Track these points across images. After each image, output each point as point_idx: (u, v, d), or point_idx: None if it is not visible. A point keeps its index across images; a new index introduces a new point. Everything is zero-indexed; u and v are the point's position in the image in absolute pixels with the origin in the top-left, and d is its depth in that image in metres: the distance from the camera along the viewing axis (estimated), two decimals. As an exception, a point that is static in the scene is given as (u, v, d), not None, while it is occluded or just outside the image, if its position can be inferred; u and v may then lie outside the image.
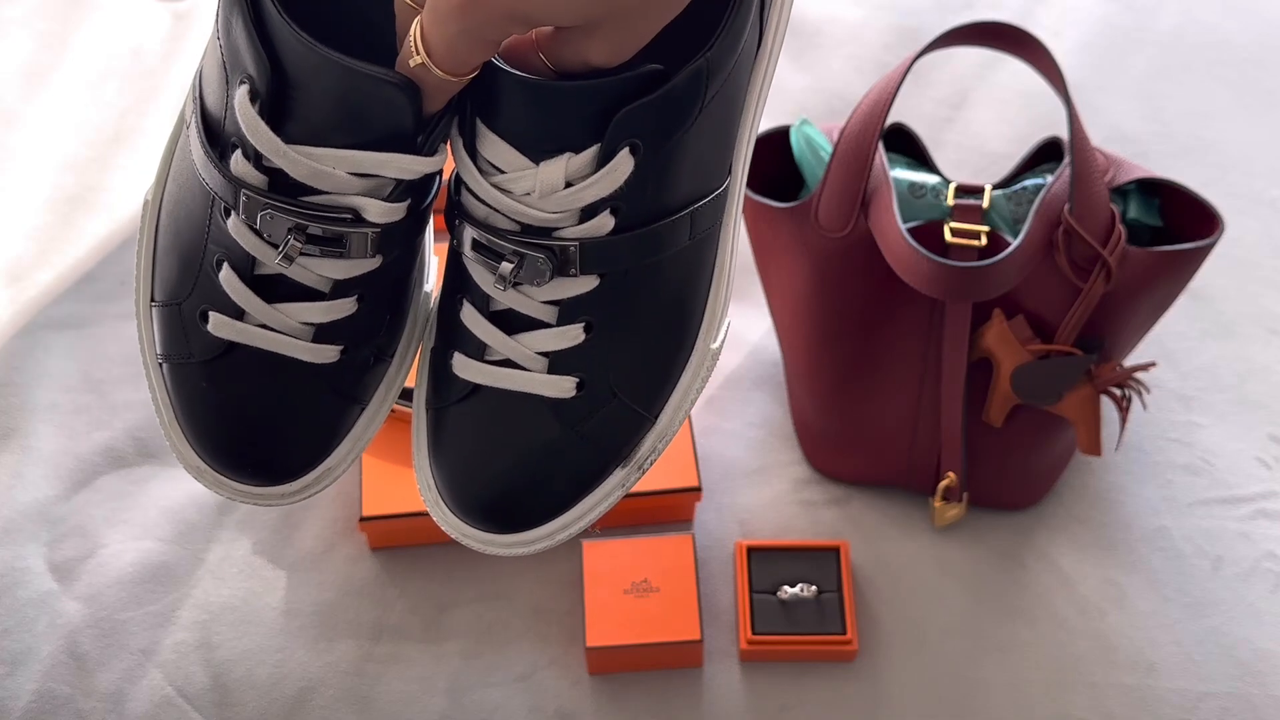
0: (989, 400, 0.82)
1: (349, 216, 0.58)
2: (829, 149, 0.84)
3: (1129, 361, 0.87)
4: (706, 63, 0.57)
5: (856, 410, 0.86)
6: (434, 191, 0.62)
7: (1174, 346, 0.95)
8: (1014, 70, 1.08)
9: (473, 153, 0.58)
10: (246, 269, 0.60)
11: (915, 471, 0.86)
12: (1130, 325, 0.82)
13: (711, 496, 0.88)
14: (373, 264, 0.60)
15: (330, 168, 0.56)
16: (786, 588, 0.82)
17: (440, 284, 0.66)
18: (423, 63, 0.54)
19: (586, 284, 0.59)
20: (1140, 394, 0.83)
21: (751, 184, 0.85)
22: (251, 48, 0.56)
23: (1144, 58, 1.13)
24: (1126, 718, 0.80)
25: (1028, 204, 0.81)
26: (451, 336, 0.63)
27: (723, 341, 0.64)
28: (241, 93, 0.56)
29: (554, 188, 0.56)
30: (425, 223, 0.63)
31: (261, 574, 0.85)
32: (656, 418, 0.63)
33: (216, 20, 0.59)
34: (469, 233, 0.59)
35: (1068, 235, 0.78)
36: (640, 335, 0.62)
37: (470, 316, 0.61)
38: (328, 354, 0.61)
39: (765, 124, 0.95)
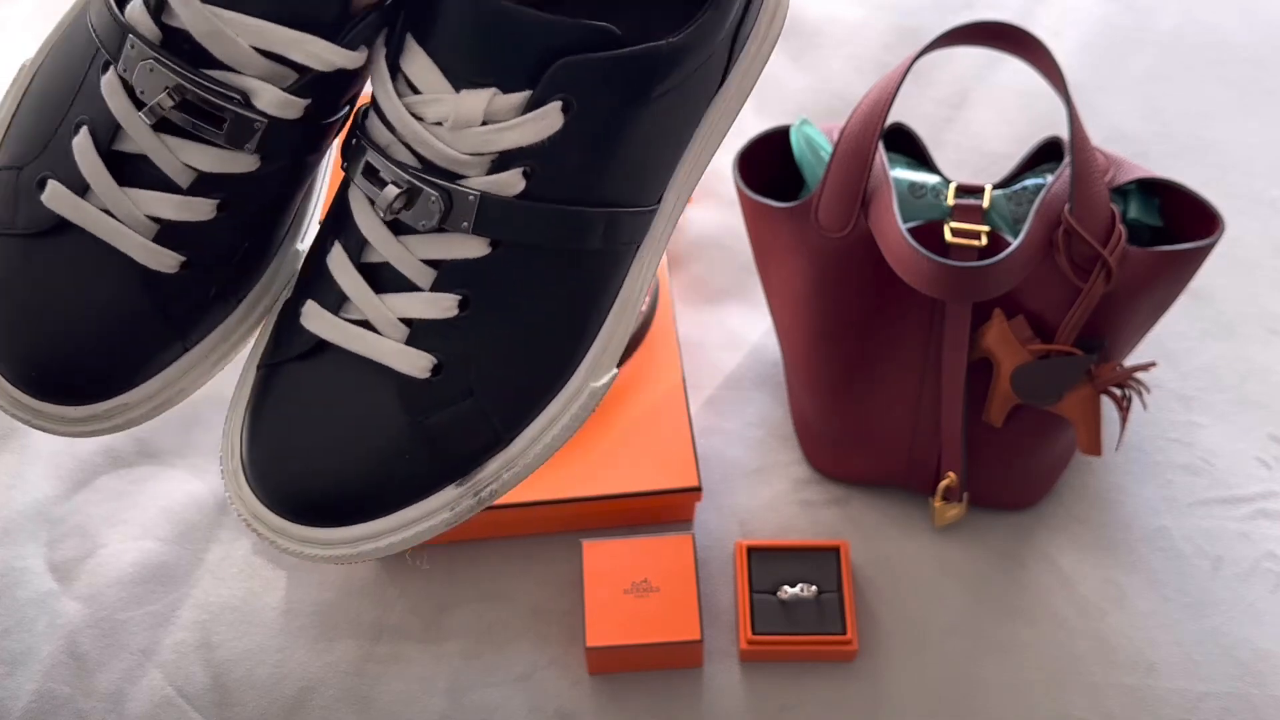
0: (989, 400, 0.82)
1: (237, 98, 0.52)
2: (829, 149, 0.84)
3: (1129, 361, 0.86)
4: (667, 48, 0.53)
5: (856, 410, 0.86)
6: (340, 113, 0.55)
7: (1174, 346, 0.95)
8: (1014, 70, 1.08)
9: (394, 70, 0.53)
10: (105, 139, 0.53)
11: (915, 471, 0.86)
12: (1130, 325, 0.82)
13: (711, 496, 0.88)
14: (248, 163, 0.53)
15: (234, 34, 0.51)
16: (786, 588, 0.82)
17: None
18: None
19: (476, 248, 0.53)
20: (1140, 394, 0.83)
21: (751, 184, 0.85)
22: None
23: (1144, 58, 1.13)
24: (1126, 718, 0.80)
25: (1028, 204, 0.81)
26: (310, 283, 0.56)
27: (605, 385, 0.57)
28: None
29: (469, 121, 0.51)
30: (319, 150, 0.56)
31: (261, 574, 0.85)
32: (511, 440, 0.56)
33: None
34: (364, 155, 0.53)
35: (1068, 235, 0.78)
36: (518, 334, 0.55)
37: (338, 261, 0.55)
38: (166, 260, 0.54)
39: (765, 124, 0.95)
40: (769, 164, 0.85)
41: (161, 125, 0.53)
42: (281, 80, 0.52)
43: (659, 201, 0.57)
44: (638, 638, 0.79)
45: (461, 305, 0.54)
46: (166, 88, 0.51)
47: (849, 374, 0.85)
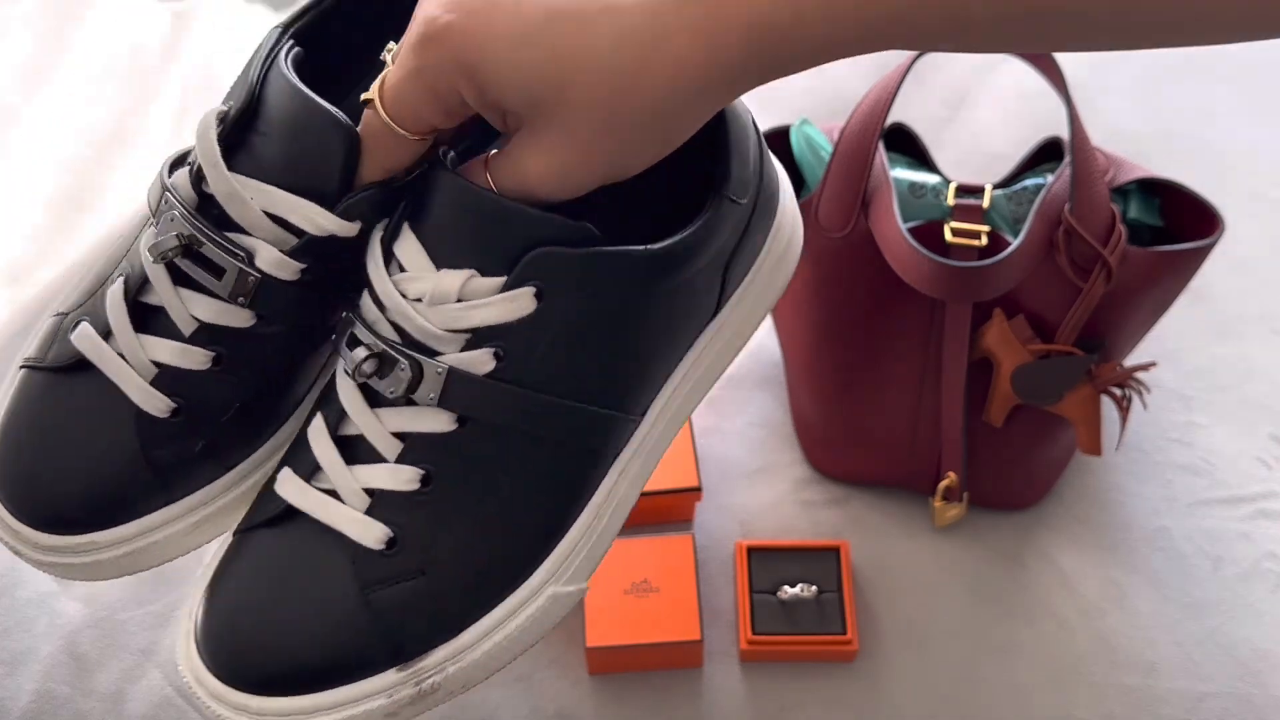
0: (989, 400, 0.82)
1: (242, 255, 0.56)
2: (829, 149, 0.84)
3: (1129, 361, 0.86)
4: (641, 254, 0.54)
5: (856, 410, 0.86)
6: (336, 294, 0.58)
7: (1174, 346, 0.95)
8: (1014, 70, 1.08)
9: (388, 254, 0.55)
10: (134, 289, 0.58)
11: (915, 471, 0.86)
12: (1131, 325, 0.82)
13: (711, 496, 0.88)
14: (243, 318, 0.57)
15: (247, 196, 0.55)
16: (786, 588, 0.82)
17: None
18: (372, 99, 0.53)
19: (442, 422, 0.54)
20: (1141, 394, 0.83)
21: (751, 184, 0.85)
22: (246, 80, 0.57)
23: (1144, 58, 1.13)
24: (1127, 718, 0.80)
25: (1028, 204, 0.81)
26: (291, 452, 0.58)
27: (571, 596, 0.57)
28: (211, 112, 0.57)
29: (445, 297, 0.53)
30: (317, 316, 0.59)
31: (261, 574, 0.85)
32: (460, 630, 0.55)
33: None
34: (352, 328, 0.56)
35: (1068, 235, 0.78)
36: (479, 516, 0.55)
37: (317, 431, 0.56)
38: (158, 404, 0.57)
39: (765, 124, 0.95)
40: (769, 164, 0.85)
41: (180, 279, 0.57)
42: (282, 243, 0.56)
43: (641, 415, 0.58)
44: (638, 638, 0.79)
45: (424, 480, 0.55)
46: (179, 234, 0.56)
47: (849, 374, 0.85)
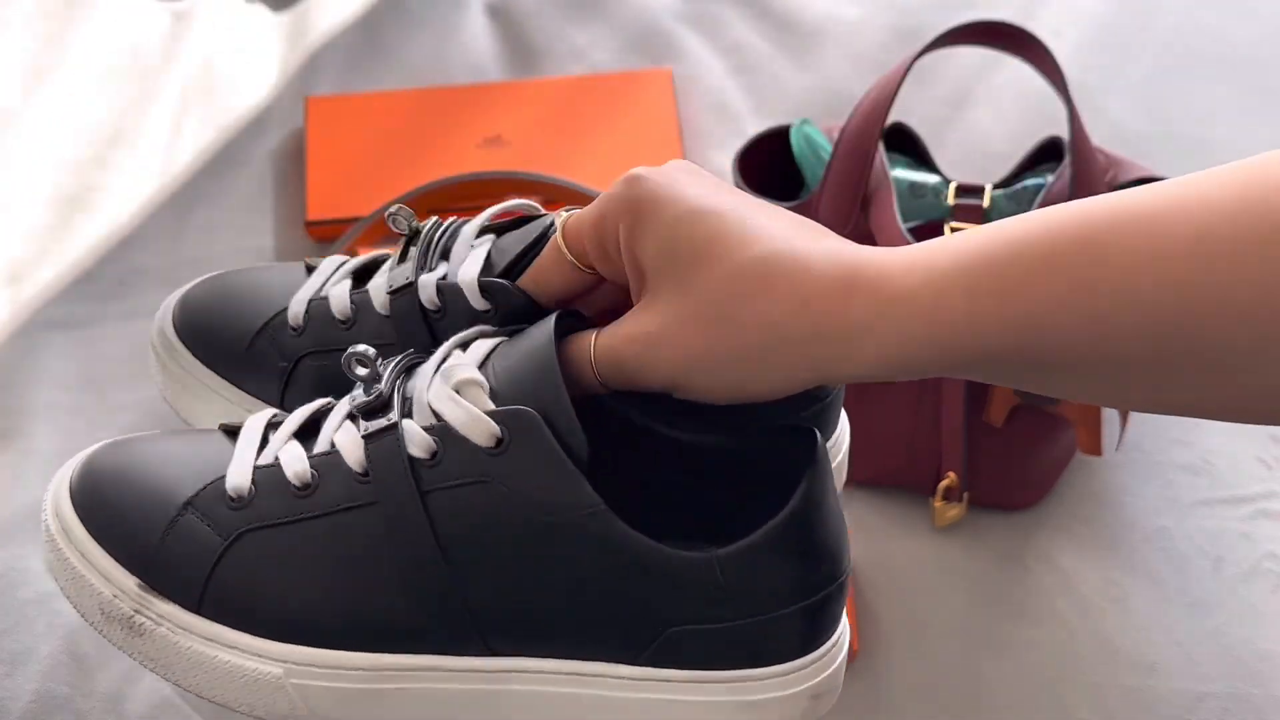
0: (989, 400, 0.82)
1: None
2: (829, 149, 0.84)
3: (1129, 361, 0.86)
4: (715, 560, 0.52)
5: (856, 410, 0.86)
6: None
7: (1174, 346, 0.95)
8: (1014, 70, 1.08)
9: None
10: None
11: (915, 471, 0.86)
12: (1130, 325, 0.82)
13: (711, 496, 0.88)
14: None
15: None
16: (786, 588, 0.82)
17: None
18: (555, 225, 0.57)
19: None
20: (1140, 394, 0.82)
21: (751, 184, 0.85)
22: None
23: (1145, 58, 1.13)
24: (1127, 718, 0.80)
25: (1028, 204, 0.81)
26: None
27: None
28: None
29: None
30: None
31: (261, 574, 0.85)
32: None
33: None
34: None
35: (1068, 235, 0.78)
36: None
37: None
38: None
39: (765, 124, 0.95)
40: (769, 164, 0.85)
41: None
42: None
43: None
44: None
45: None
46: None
47: (849, 374, 0.85)
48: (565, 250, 0.56)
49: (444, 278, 0.59)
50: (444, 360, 0.55)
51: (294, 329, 0.63)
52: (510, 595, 0.53)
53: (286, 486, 0.55)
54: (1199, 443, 0.91)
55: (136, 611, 0.55)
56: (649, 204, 0.53)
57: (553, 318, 0.54)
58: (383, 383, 0.55)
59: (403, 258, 0.62)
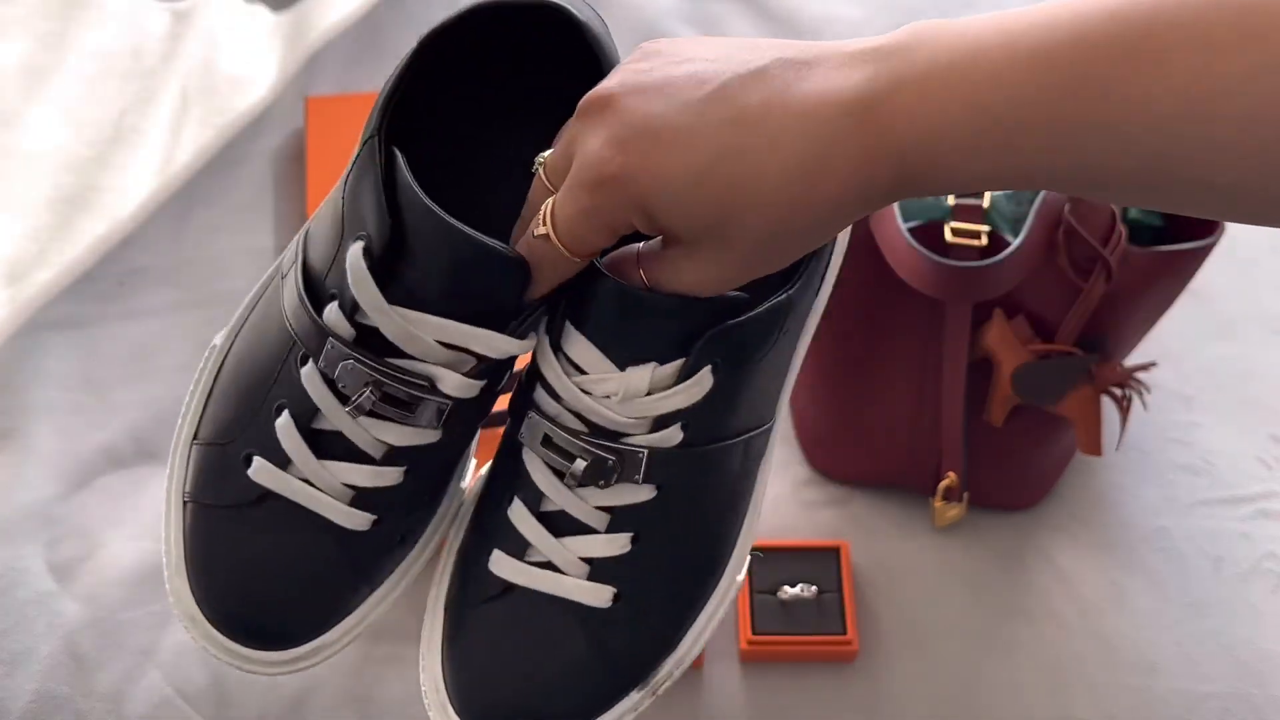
0: (989, 400, 0.82)
1: (425, 384, 0.58)
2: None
3: (1129, 361, 0.86)
4: (788, 299, 0.60)
5: (856, 410, 0.86)
6: (505, 380, 0.63)
7: (1174, 346, 0.95)
8: (1014, 70, 1.08)
9: (556, 350, 0.59)
10: (305, 420, 0.60)
11: (915, 471, 0.86)
12: (1131, 325, 0.82)
13: (711, 496, 0.88)
14: (433, 436, 0.61)
15: (422, 333, 0.57)
16: (786, 588, 0.82)
17: (475, 476, 0.67)
18: (546, 234, 0.56)
19: (644, 494, 0.61)
20: (1141, 394, 0.83)
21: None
22: (377, 208, 0.57)
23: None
24: (1127, 718, 0.80)
25: (1028, 204, 0.81)
26: (491, 533, 0.63)
27: (740, 581, 0.66)
28: (356, 248, 0.57)
29: (637, 393, 0.58)
30: (488, 409, 0.63)
31: (261, 574, 0.85)
32: (678, 642, 0.64)
33: (344, 180, 0.61)
34: (541, 427, 0.60)
35: (1068, 235, 0.78)
36: (680, 555, 0.63)
37: (519, 513, 0.62)
38: (360, 521, 0.61)
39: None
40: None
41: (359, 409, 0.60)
42: (461, 365, 0.59)
43: (774, 417, 0.65)
44: (638, 638, 0.79)
45: (634, 540, 0.61)
46: (367, 383, 0.58)
47: (849, 374, 0.85)
48: (568, 253, 0.56)
49: None
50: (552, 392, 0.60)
51: (371, 526, 0.63)
52: None
53: (619, 558, 0.61)
54: (1199, 443, 0.91)
55: (655, 693, 0.64)
56: (646, 198, 0.53)
57: (607, 278, 0.58)
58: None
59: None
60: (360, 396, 0.58)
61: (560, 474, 0.61)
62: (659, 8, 1.17)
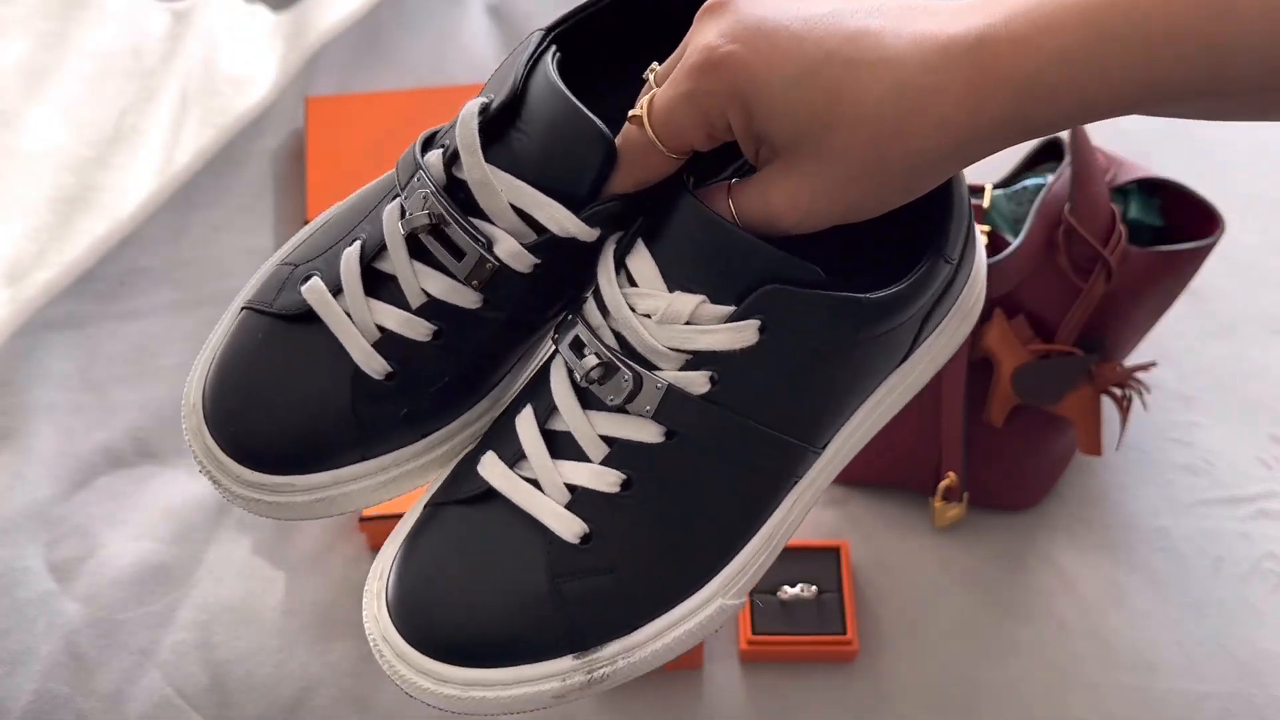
0: (989, 400, 0.82)
1: (483, 240, 0.58)
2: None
3: (1129, 361, 0.87)
4: (866, 302, 0.57)
5: (857, 410, 0.86)
6: (560, 300, 0.61)
7: (1174, 346, 0.95)
8: (1014, 70, 1.08)
9: (619, 264, 0.59)
10: (370, 254, 0.61)
11: (915, 471, 0.86)
12: (1131, 325, 0.82)
13: (711, 496, 0.88)
14: (472, 299, 0.60)
15: (498, 186, 0.58)
16: (786, 588, 0.82)
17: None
18: (640, 117, 0.55)
19: (651, 433, 0.58)
20: (1141, 394, 0.83)
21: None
22: (511, 77, 0.58)
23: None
24: (1127, 718, 0.80)
25: (1028, 204, 0.81)
26: (494, 436, 0.62)
27: (736, 608, 0.61)
28: (474, 102, 0.59)
29: (676, 318, 0.57)
30: (534, 322, 0.62)
31: (261, 574, 0.85)
32: (635, 628, 0.59)
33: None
34: (576, 330, 0.59)
35: (1068, 235, 0.78)
36: (669, 526, 0.59)
37: (525, 422, 0.60)
38: (376, 365, 0.61)
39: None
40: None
41: (415, 252, 0.60)
42: (522, 236, 0.58)
43: (823, 448, 0.62)
44: (638, 638, 0.79)
45: (624, 484, 0.58)
46: (428, 212, 0.59)
47: (849, 374, 0.85)
48: (662, 146, 0.56)
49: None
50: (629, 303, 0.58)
51: (384, 379, 0.61)
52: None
53: (606, 497, 0.58)
54: (1199, 443, 0.91)
55: (590, 674, 0.58)
56: (749, 86, 0.53)
57: (689, 196, 0.57)
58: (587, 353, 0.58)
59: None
60: (418, 215, 0.59)
61: (577, 384, 0.59)
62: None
